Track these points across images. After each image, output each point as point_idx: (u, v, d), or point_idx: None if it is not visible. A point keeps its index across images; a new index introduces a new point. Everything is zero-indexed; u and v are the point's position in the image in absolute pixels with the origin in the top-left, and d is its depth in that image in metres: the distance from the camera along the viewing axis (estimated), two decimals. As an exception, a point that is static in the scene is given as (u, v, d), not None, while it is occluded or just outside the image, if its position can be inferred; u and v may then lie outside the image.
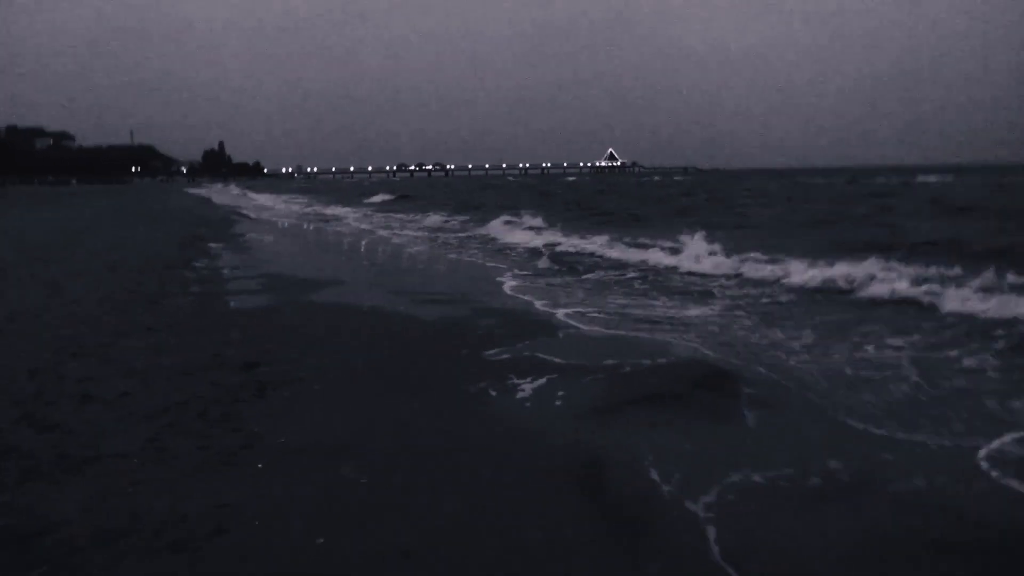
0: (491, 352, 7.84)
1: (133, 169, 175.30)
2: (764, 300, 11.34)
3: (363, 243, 22.31)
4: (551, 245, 19.78)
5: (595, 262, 16.55)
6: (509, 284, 13.19)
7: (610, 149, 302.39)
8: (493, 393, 6.44)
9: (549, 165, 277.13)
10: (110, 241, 21.27)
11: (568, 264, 16.12)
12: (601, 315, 10.06)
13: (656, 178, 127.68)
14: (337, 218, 36.29)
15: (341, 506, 4.29)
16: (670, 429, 5.66)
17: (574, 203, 46.47)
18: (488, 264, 16.66)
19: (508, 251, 19.48)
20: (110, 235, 23.66)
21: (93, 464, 4.82)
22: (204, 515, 4.10)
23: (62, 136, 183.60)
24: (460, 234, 25.11)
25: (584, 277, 14.14)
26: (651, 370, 7.17)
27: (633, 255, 17.03)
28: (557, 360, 7.51)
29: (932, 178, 73.29)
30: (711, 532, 4.13)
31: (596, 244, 19.01)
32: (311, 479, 4.64)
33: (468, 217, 31.79)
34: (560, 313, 10.15)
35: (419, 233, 25.80)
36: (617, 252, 17.67)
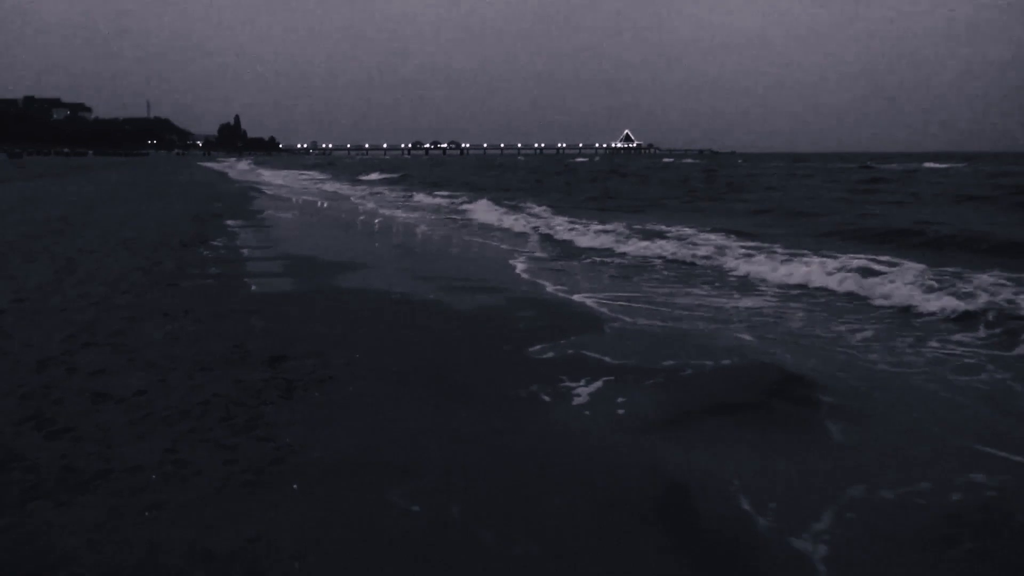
0: (535, 349, 7.22)
1: (149, 142, 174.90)
2: (801, 294, 10.62)
3: (376, 223, 21.67)
4: (543, 228, 19.09)
5: (605, 248, 15.64)
6: (523, 268, 12.65)
7: (626, 131, 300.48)
8: (546, 399, 5.81)
9: (564, 146, 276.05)
10: (125, 215, 20.71)
11: (576, 249, 15.48)
12: (642, 306, 9.41)
13: (667, 160, 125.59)
14: (335, 195, 35.83)
15: (393, 542, 3.67)
16: (752, 446, 5.02)
17: (574, 185, 45.82)
18: (502, 247, 15.99)
19: (502, 233, 18.92)
20: (125, 209, 23.11)
21: (105, 480, 4.23)
22: (234, 552, 3.50)
23: (78, 107, 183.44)
24: (453, 215, 24.59)
25: (605, 261, 13.50)
26: (715, 374, 6.53)
27: (638, 242, 15.98)
28: (608, 360, 6.88)
29: (941, 165, 72.65)
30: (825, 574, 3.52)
31: (596, 228, 18.15)
32: (354, 506, 4.03)
33: (464, 197, 31.02)
34: (593, 303, 9.52)
35: (415, 214, 25.07)
36: (615, 238, 16.71)
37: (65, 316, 8.15)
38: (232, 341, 7.23)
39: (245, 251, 13.72)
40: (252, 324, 7.98)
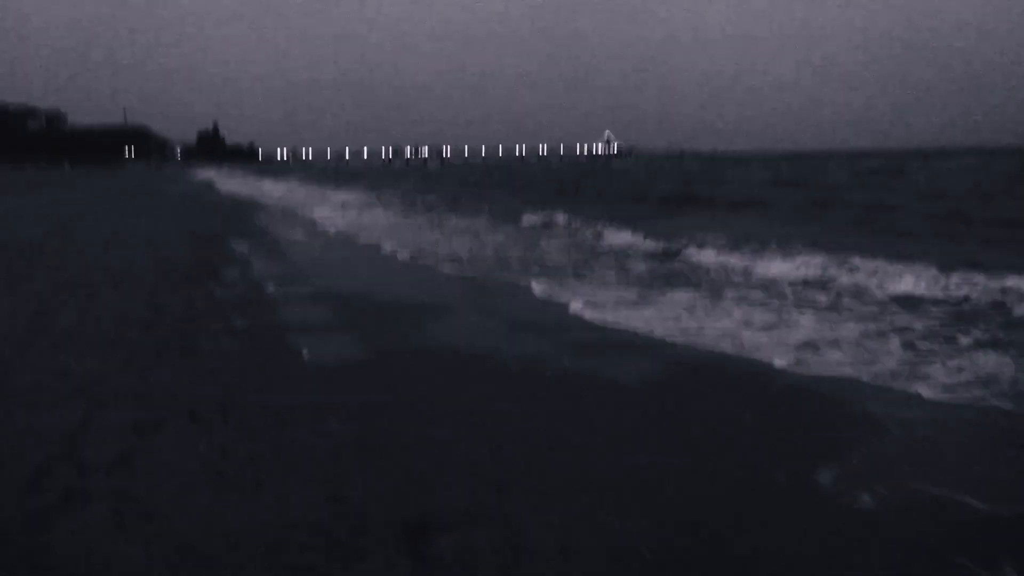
0: (828, 480, 4.25)
1: (127, 148, 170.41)
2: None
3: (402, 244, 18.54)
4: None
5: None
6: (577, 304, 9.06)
7: (607, 131, 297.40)
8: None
9: (546, 150, 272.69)
10: (111, 238, 17.51)
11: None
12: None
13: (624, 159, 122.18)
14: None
15: None
16: None
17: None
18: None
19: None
20: (110, 230, 19.87)
21: None
22: None
23: (54, 115, 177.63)
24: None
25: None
26: None
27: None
28: (978, 506, 3.94)
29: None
30: None
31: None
32: None
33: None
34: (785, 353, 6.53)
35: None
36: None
37: (31, 422, 5.09)
38: (316, 481, 4.20)
39: (270, 287, 10.63)
40: (335, 435, 4.94)
